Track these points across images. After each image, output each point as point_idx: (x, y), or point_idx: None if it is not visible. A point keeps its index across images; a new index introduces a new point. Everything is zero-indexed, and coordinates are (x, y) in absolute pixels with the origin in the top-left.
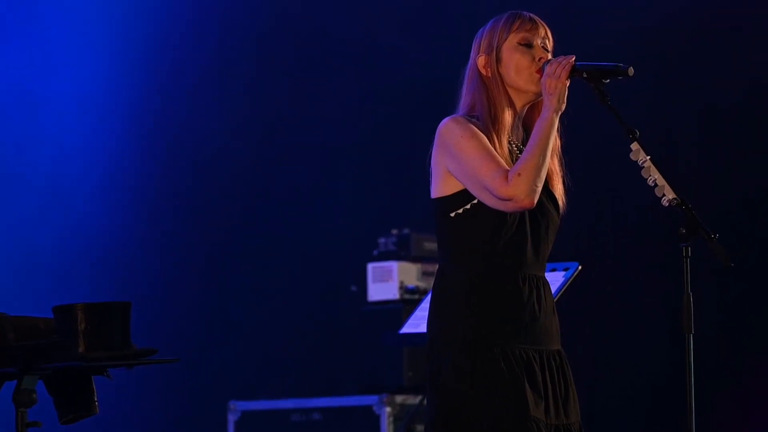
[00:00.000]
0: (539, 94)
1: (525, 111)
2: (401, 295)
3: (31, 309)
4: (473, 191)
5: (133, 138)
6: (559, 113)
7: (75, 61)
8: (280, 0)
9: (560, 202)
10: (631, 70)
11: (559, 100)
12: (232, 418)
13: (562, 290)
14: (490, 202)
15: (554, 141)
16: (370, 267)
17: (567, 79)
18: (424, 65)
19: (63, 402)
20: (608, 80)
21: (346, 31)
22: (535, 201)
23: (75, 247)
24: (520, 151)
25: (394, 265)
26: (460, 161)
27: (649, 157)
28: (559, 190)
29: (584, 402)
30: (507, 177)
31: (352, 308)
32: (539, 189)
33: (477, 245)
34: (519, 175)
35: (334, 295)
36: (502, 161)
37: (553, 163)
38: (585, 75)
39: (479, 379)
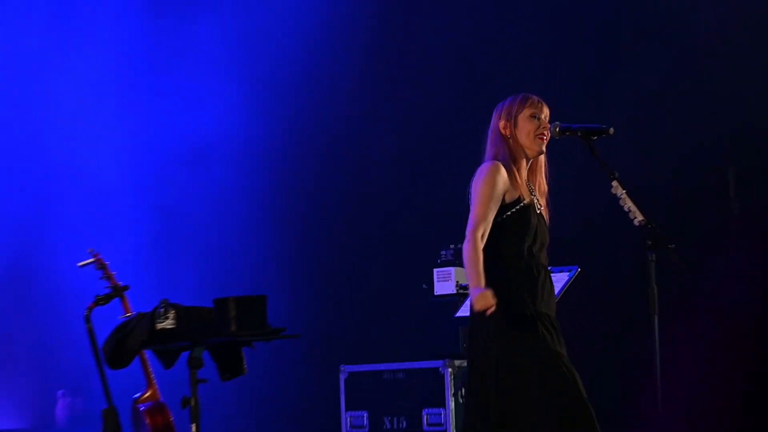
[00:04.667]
0: (539, 153)
1: (531, 162)
2: (457, 290)
3: (196, 299)
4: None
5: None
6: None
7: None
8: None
9: (546, 218)
10: (611, 130)
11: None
12: (342, 377)
13: (567, 287)
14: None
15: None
16: (436, 272)
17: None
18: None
19: (222, 365)
20: (595, 137)
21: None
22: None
23: (232, 246)
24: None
25: (452, 270)
26: (476, 193)
27: (625, 191)
28: (545, 210)
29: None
30: (476, 228)
31: (423, 299)
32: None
33: (520, 245)
34: (468, 241)
35: (411, 291)
36: (489, 215)
37: (543, 185)
38: (579, 134)
39: (515, 332)
